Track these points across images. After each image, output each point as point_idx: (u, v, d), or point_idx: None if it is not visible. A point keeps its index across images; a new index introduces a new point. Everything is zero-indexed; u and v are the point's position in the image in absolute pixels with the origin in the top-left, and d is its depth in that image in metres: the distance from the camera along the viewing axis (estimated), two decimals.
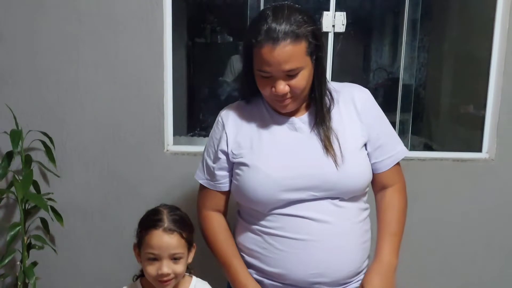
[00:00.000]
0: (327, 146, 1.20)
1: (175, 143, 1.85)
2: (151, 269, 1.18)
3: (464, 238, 1.90)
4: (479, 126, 1.94)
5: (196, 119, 2.36)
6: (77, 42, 1.72)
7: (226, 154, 1.26)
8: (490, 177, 1.86)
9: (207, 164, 1.30)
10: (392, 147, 1.28)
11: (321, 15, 1.80)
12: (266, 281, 1.27)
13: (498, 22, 1.84)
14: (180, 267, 1.19)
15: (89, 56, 1.73)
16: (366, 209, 1.30)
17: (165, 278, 1.17)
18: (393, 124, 1.93)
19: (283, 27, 1.09)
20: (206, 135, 2.04)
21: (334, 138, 1.21)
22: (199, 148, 1.79)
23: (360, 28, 2.43)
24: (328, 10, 1.81)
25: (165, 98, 1.78)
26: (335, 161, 1.19)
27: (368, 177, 1.26)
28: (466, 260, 1.92)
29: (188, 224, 1.24)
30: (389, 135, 1.30)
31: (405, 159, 1.37)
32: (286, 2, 1.17)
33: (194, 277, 1.30)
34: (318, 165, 1.19)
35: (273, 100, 1.20)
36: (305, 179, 1.18)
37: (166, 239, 1.17)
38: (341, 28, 1.81)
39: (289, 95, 1.16)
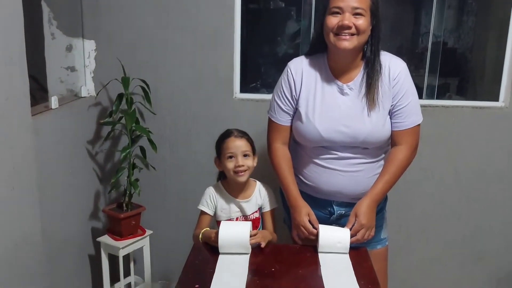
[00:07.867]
0: (370, 105, 1.56)
1: (241, 91, 2.31)
2: (230, 164, 1.67)
3: (479, 172, 2.28)
4: None
5: (252, 74, 2.71)
6: (168, 10, 2.18)
7: (292, 98, 1.66)
8: (504, 122, 2.20)
9: (277, 105, 1.68)
10: (408, 116, 1.60)
11: None
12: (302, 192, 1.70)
13: None
14: (249, 162, 1.68)
15: (177, 22, 2.20)
16: (384, 153, 1.69)
17: (241, 169, 1.65)
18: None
19: None
20: (264, 86, 2.48)
21: (373, 99, 1.57)
22: (259, 96, 2.26)
23: None
24: None
25: (235, 55, 2.23)
26: (370, 121, 1.56)
27: (388, 133, 1.62)
28: (483, 193, 2.29)
29: (249, 136, 1.72)
30: (410, 106, 1.59)
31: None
32: None
33: (258, 182, 1.79)
34: (354, 126, 1.57)
35: (336, 36, 1.51)
36: (342, 134, 1.60)
37: (238, 141, 1.67)
38: None
39: (352, 30, 1.49)
